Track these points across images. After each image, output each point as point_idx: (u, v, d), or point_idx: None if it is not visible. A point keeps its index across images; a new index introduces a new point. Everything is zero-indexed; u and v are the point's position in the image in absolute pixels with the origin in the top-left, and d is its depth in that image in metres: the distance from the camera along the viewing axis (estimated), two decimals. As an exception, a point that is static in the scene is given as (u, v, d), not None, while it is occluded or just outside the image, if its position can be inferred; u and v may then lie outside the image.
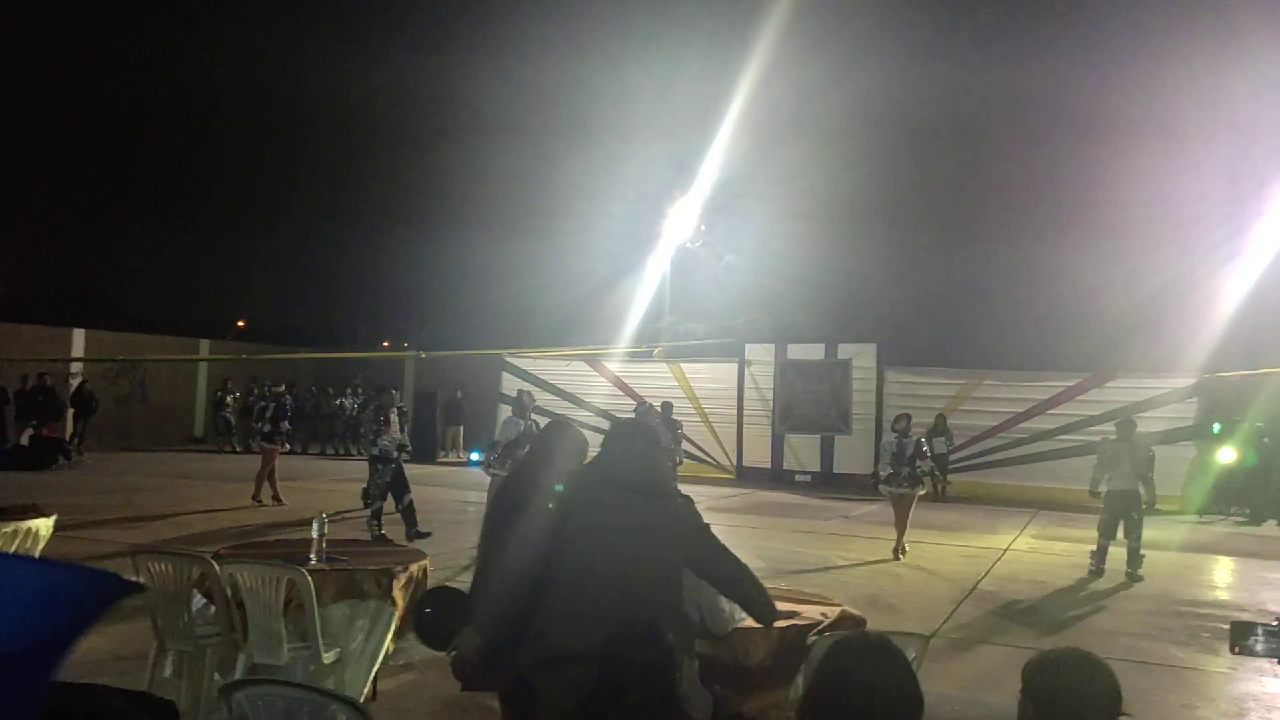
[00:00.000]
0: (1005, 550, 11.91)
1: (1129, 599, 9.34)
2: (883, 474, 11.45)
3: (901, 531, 11.11)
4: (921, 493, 11.47)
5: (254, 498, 13.45)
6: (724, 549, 3.33)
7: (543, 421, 12.38)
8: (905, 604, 8.67)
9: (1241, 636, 2.26)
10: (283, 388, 17.40)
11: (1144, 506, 10.53)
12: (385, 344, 43.49)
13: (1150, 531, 14.30)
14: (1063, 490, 16.06)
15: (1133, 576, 10.13)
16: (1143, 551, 10.33)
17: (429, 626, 3.89)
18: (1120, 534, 10.41)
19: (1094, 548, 10.51)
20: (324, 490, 15.14)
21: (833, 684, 2.14)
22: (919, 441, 11.49)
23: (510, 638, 3.20)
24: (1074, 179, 26.06)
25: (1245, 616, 8.49)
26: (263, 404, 15.33)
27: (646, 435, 3.63)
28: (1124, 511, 10.39)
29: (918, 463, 11.21)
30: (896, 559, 10.87)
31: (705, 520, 3.31)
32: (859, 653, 2.18)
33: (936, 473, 13.10)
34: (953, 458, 18.05)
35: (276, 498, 13.49)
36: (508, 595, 3.23)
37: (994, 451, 18.14)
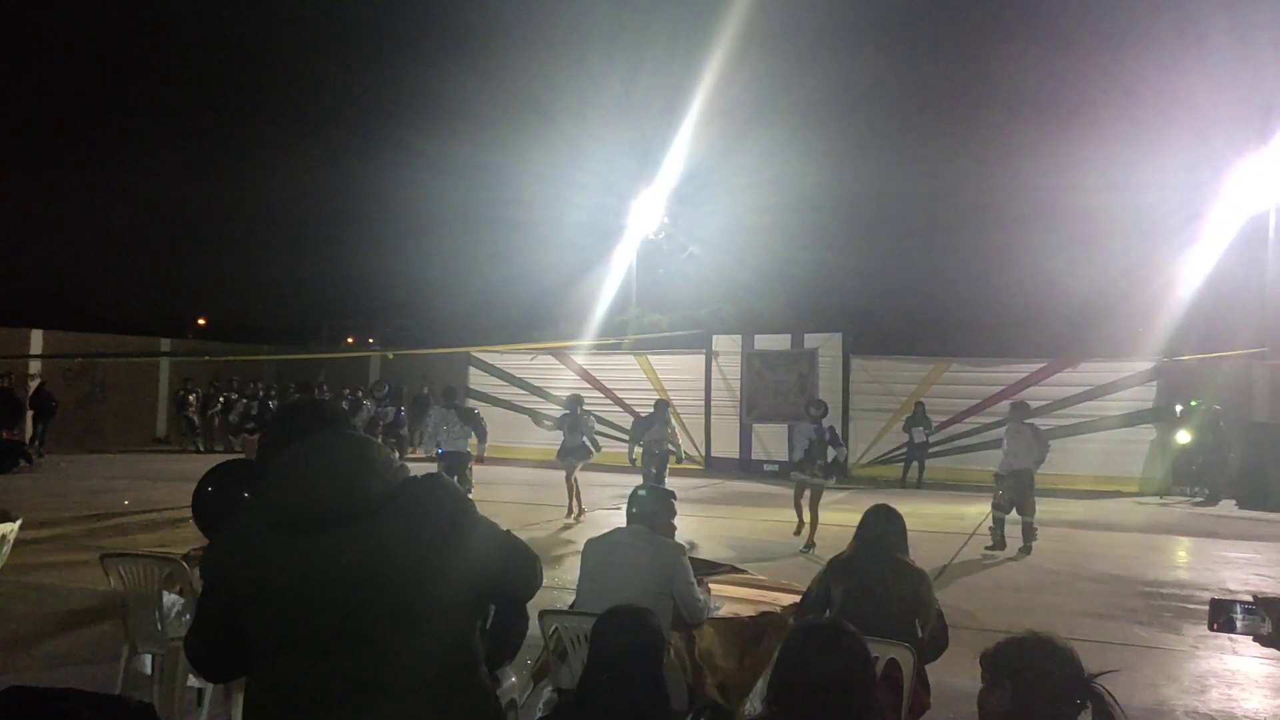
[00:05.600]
0: (972, 535, 12.06)
1: (1092, 580, 9.51)
2: (797, 460, 11.12)
3: (814, 523, 10.77)
4: (832, 482, 11.26)
5: None
6: None
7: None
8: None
9: (1220, 614, 2.34)
10: (263, 387, 17.24)
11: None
12: (350, 340, 43.14)
13: (1112, 513, 14.62)
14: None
15: (1025, 551, 10.88)
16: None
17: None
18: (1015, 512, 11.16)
19: (992, 523, 11.26)
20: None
21: (791, 669, 2.24)
22: (831, 428, 11.35)
23: None
24: (1034, 167, 26.37)
25: (1206, 595, 8.67)
26: (245, 402, 15.45)
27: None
28: (1024, 490, 11.08)
29: (830, 451, 10.91)
30: (806, 551, 10.45)
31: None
32: (813, 638, 2.28)
33: (842, 461, 12.17)
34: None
35: None
36: None
37: (963, 436, 18.29)
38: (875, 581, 4.27)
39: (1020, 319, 22.17)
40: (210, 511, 2.80)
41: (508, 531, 2.23)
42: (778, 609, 4.85)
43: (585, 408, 13.77)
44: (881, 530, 4.53)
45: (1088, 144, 24.10)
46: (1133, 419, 17.20)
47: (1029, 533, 10.97)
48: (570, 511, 12.73)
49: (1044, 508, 14.08)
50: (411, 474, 2.11)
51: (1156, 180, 23.03)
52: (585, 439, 13.06)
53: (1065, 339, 19.71)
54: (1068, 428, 17.32)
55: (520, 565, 2.21)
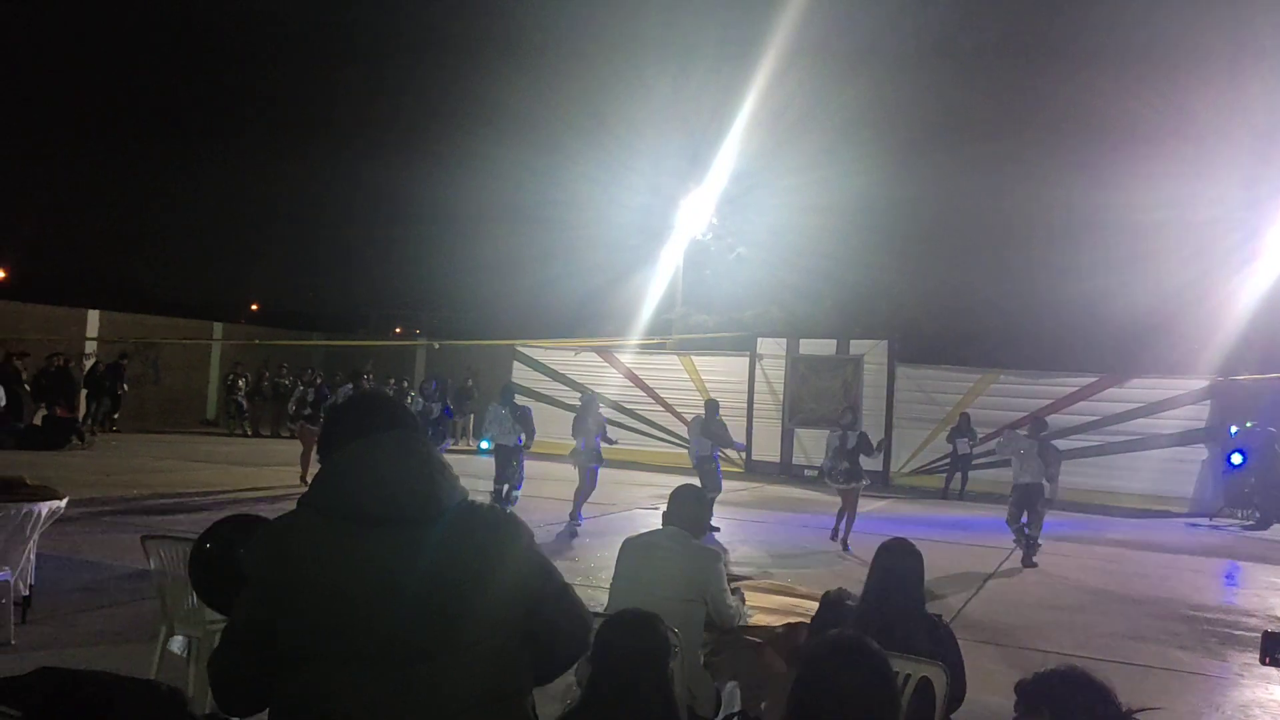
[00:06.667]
0: (1013, 550, 11.87)
1: (1136, 601, 9.31)
2: (826, 467, 11.80)
3: (849, 523, 11.27)
4: (865, 484, 11.77)
5: (302, 479, 13.55)
6: None
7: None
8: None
9: (1273, 648, 2.27)
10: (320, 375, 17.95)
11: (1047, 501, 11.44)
12: (397, 330, 43.60)
13: (1160, 533, 14.31)
14: (1079, 491, 16.03)
15: (1027, 564, 10.87)
16: (1040, 541, 11.12)
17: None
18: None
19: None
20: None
21: (812, 685, 2.19)
22: (863, 434, 11.79)
23: None
24: (1091, 180, 25.86)
25: (1253, 621, 8.46)
26: (301, 389, 16.46)
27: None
28: (1029, 503, 11.06)
29: (860, 456, 11.43)
30: (845, 550, 11.01)
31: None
32: (835, 654, 2.22)
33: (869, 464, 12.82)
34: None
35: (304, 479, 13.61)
36: None
37: (1009, 449, 17.96)
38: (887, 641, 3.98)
39: (1071, 334, 21.74)
40: (208, 573, 2.46)
41: (568, 585, 2.14)
42: (809, 619, 4.80)
43: (600, 408, 13.12)
44: (895, 578, 4.13)
45: (1143, 159, 23.56)
46: (1185, 438, 16.84)
47: (1033, 548, 11.00)
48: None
49: (1090, 526, 13.88)
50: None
51: (1214, 196, 22.48)
52: (599, 439, 12.44)
53: (1116, 355, 19.30)
54: (1118, 444, 17.00)
55: (571, 618, 2.10)
